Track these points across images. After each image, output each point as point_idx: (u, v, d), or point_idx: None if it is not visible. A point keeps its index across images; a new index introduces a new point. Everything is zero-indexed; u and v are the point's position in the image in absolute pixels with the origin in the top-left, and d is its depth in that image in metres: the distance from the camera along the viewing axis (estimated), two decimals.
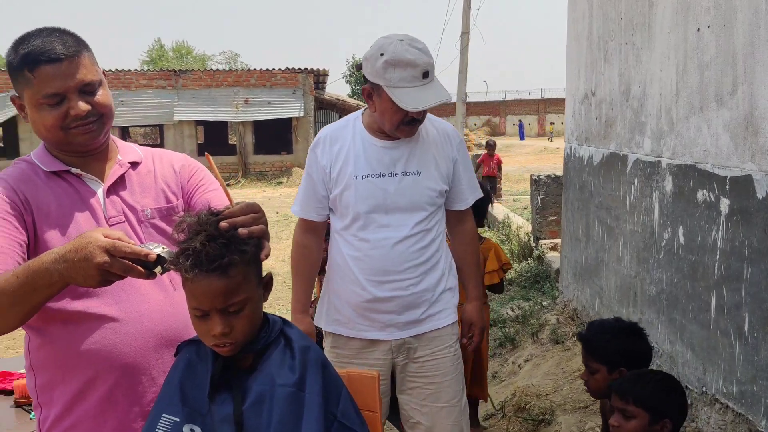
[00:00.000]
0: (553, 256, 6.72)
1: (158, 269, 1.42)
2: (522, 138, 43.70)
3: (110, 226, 1.71)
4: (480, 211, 4.56)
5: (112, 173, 1.77)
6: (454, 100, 3.00)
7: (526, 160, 26.70)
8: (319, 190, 2.42)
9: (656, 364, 3.80)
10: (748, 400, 2.84)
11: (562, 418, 3.81)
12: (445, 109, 44.28)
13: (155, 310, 1.72)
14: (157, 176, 1.84)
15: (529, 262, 7.30)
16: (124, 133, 23.86)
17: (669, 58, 3.54)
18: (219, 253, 1.44)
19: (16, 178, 1.68)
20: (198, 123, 23.34)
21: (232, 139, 24.47)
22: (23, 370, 2.57)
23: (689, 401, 3.37)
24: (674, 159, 3.51)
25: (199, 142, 24.45)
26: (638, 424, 2.06)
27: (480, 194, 2.62)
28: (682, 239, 3.42)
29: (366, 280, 2.36)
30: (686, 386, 3.43)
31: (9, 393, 2.42)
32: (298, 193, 2.49)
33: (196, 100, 22.01)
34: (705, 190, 3.17)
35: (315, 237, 2.54)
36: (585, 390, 2.55)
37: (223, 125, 24.63)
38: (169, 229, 1.74)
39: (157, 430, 1.52)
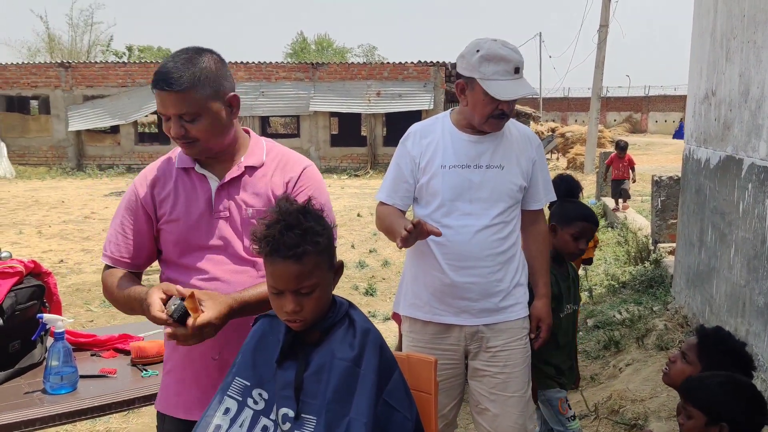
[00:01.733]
0: (669, 261, 6.47)
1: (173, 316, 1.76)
2: (680, 136, 41.39)
3: (217, 218, 2.03)
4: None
5: (229, 174, 2.04)
6: (535, 93, 3.00)
7: (666, 159, 25.34)
8: (407, 178, 2.57)
9: (761, 378, 3.64)
10: None
11: (655, 425, 3.74)
12: (580, 104, 42.95)
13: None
14: (269, 183, 2.07)
15: (646, 265, 7.05)
16: (265, 123, 25.13)
17: None
18: (295, 242, 1.64)
19: (153, 171, 2.09)
20: (332, 114, 24.15)
21: (364, 131, 25.09)
22: (142, 335, 2.95)
23: None
24: None
25: (333, 132, 25.30)
26: (695, 425, 2.06)
27: (554, 197, 2.73)
28: None
29: (447, 265, 2.49)
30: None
31: (128, 353, 2.77)
32: (384, 181, 2.64)
33: (331, 92, 22.78)
34: None
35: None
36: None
37: (356, 117, 25.30)
38: None
39: (229, 391, 1.75)
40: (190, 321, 1.74)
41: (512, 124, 2.60)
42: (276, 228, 1.65)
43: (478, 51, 2.40)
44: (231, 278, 2.01)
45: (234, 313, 1.85)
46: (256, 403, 1.72)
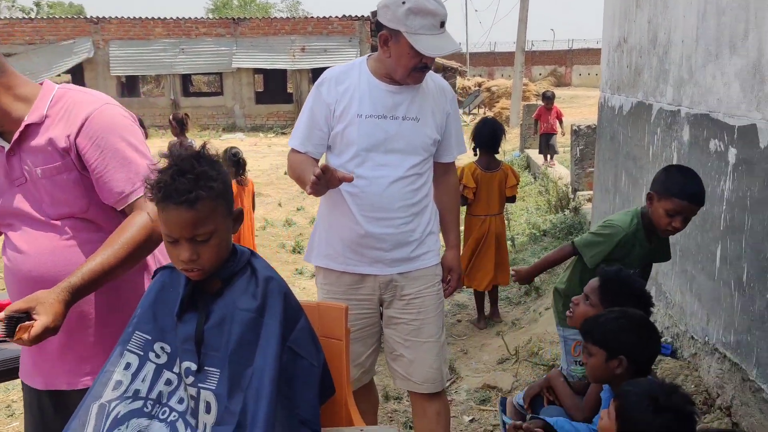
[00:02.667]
0: (588, 208, 6.67)
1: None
2: None
3: (16, 186, 1.91)
4: (494, 142, 4.95)
5: (13, 137, 1.87)
6: (459, 49, 3.03)
7: (590, 111, 25.94)
8: (321, 126, 2.52)
9: (668, 314, 3.81)
10: (743, 349, 2.85)
11: None
12: (506, 59, 43.33)
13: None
14: (48, 138, 1.88)
15: (565, 213, 7.25)
16: (186, 81, 24.36)
17: (692, 3, 3.44)
18: (187, 187, 1.57)
19: None
20: (257, 71, 23.59)
21: (290, 88, 24.64)
22: None
23: (693, 351, 3.40)
24: (692, 108, 3.44)
25: (257, 90, 24.76)
26: (596, 362, 2.13)
27: (465, 151, 2.75)
28: None
29: (361, 216, 2.48)
30: (692, 336, 3.44)
31: None
32: (297, 127, 2.58)
33: (254, 48, 22.20)
34: (716, 140, 3.12)
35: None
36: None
37: (281, 73, 24.80)
38: (60, 187, 1.89)
39: (130, 345, 1.69)
40: (25, 335, 1.64)
41: (428, 75, 2.56)
42: (168, 173, 1.58)
43: (404, 3, 2.33)
44: (32, 248, 1.91)
45: (71, 302, 1.74)
46: (158, 356, 1.67)
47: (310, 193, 2.25)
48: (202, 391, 1.59)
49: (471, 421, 3.64)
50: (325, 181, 2.20)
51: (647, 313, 2.46)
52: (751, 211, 2.77)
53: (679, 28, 3.64)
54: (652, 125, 4.10)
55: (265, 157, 15.24)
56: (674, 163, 3.66)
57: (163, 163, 1.64)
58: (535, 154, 11.75)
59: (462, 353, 4.68)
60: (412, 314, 2.57)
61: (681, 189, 2.62)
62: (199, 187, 1.57)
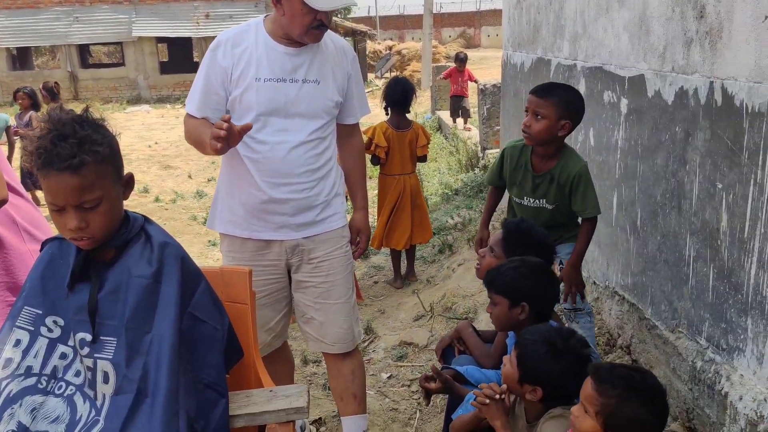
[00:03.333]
0: None
1: None
2: None
3: None
4: (405, 101, 4.97)
5: None
6: (355, 2, 2.97)
7: (499, 72, 26.44)
8: (217, 90, 2.44)
9: None
10: (638, 290, 3.00)
11: (483, 316, 3.99)
12: (416, 21, 43.33)
13: None
14: None
15: (475, 171, 7.40)
16: (84, 52, 23.15)
17: None
18: (70, 152, 1.49)
19: None
20: (159, 40, 22.67)
21: (197, 56, 23.84)
22: None
23: (596, 295, 3.56)
24: (586, 62, 3.55)
25: (162, 60, 23.83)
26: (501, 311, 2.20)
27: (369, 111, 2.73)
28: (592, 141, 3.51)
29: (263, 182, 2.43)
30: (594, 281, 3.60)
31: None
32: (193, 93, 2.49)
33: (155, 15, 21.30)
34: (609, 92, 3.24)
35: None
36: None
37: (187, 42, 23.92)
38: None
39: (19, 321, 1.61)
40: None
41: (328, 36, 2.52)
42: (47, 139, 1.50)
43: None
44: None
45: None
46: (50, 331, 1.61)
47: (213, 151, 2.18)
48: (98, 361, 1.55)
49: (389, 377, 3.71)
50: (228, 137, 2.14)
51: (550, 261, 2.55)
52: (642, 158, 2.90)
53: None
54: (551, 80, 4.21)
55: (173, 128, 14.74)
56: None
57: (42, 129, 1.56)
58: (446, 116, 11.87)
59: (379, 313, 4.74)
60: (321, 277, 2.56)
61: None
62: (83, 151, 1.51)
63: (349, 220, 2.71)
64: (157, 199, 8.43)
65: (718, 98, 2.27)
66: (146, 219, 1.72)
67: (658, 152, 2.73)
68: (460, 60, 11.52)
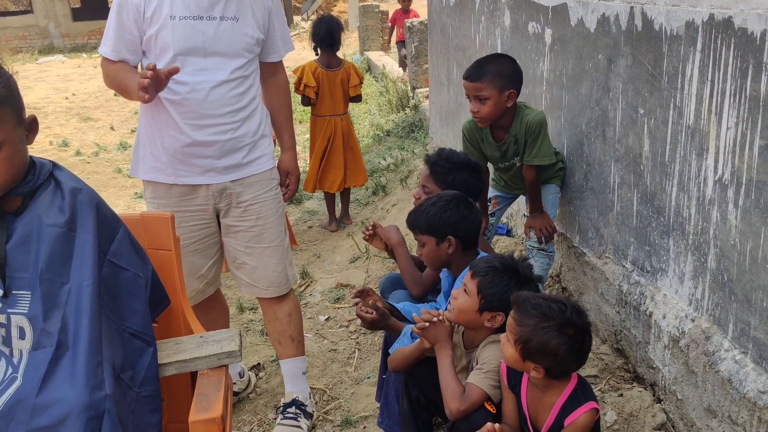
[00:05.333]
0: (426, 104, 6.79)
1: None
2: None
3: None
4: (332, 39, 4.87)
5: None
6: None
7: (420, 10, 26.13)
8: (131, 29, 2.32)
9: None
10: (567, 219, 3.06)
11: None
12: None
13: None
14: None
15: (406, 111, 7.36)
16: None
17: None
18: None
19: None
20: None
21: (111, 2, 22.61)
22: None
23: None
24: None
25: (74, 6, 22.53)
26: (429, 249, 2.21)
27: (292, 48, 2.65)
28: None
29: (185, 124, 2.34)
30: (524, 214, 3.65)
31: None
32: (106, 34, 2.37)
33: None
34: (534, 22, 3.22)
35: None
36: None
37: None
38: None
39: None
40: None
41: None
42: None
43: None
44: None
45: None
46: None
47: (140, 98, 2.09)
48: (12, 316, 1.46)
49: (327, 319, 3.71)
50: (155, 83, 2.05)
51: (479, 180, 2.56)
52: (567, 88, 2.92)
53: None
54: (476, 14, 4.17)
55: (91, 79, 14.05)
56: (498, 49, 3.76)
57: None
58: (376, 56, 11.70)
59: (315, 258, 4.72)
60: (251, 221, 2.51)
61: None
62: None
63: (276, 161, 2.65)
64: (78, 153, 8.08)
65: (638, 23, 2.28)
66: (55, 165, 1.62)
67: (583, 81, 2.75)
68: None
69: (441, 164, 2.51)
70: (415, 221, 2.23)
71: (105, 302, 1.52)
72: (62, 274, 1.48)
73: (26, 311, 1.46)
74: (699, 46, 1.96)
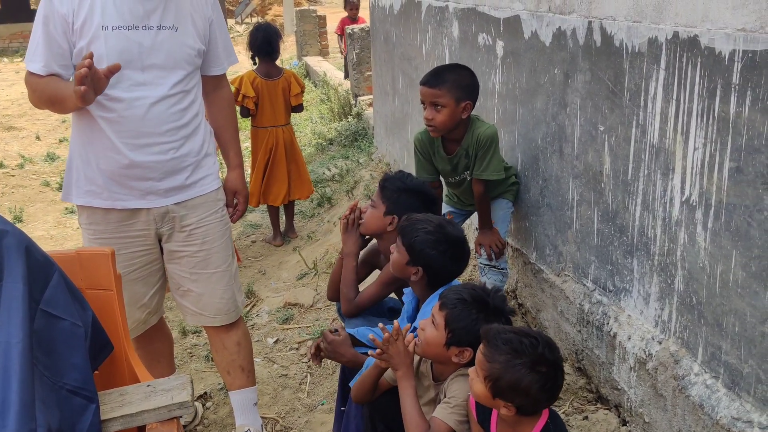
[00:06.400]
0: (370, 113, 6.69)
1: None
2: None
3: None
4: (270, 47, 4.72)
5: None
6: None
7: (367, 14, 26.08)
8: (60, 42, 2.14)
9: None
10: (522, 234, 3.01)
11: None
12: None
13: None
14: None
15: (349, 120, 7.24)
16: None
17: None
18: None
19: None
20: None
21: (34, 3, 21.69)
22: None
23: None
24: (459, 3, 3.45)
25: None
26: (399, 259, 2.14)
27: (236, 61, 2.53)
28: None
29: (122, 144, 2.18)
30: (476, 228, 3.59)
31: None
32: (34, 48, 2.17)
33: None
34: (484, 34, 3.16)
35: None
36: None
37: None
38: None
39: None
40: None
41: None
42: None
43: None
44: None
45: None
46: None
47: (78, 100, 1.92)
48: None
49: (275, 342, 3.56)
50: (93, 81, 1.88)
51: (432, 210, 2.48)
52: (521, 102, 2.86)
53: None
54: (422, 23, 4.09)
55: (13, 85, 13.36)
56: (447, 59, 3.69)
57: None
58: (314, 62, 11.54)
59: (260, 274, 4.55)
60: (196, 245, 2.35)
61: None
62: None
63: (223, 180, 2.50)
64: (1, 165, 7.63)
65: (597, 38, 2.23)
66: None
67: (538, 95, 2.70)
68: (351, 5, 9.43)
69: (393, 182, 2.43)
70: (405, 229, 2.13)
71: (38, 358, 1.35)
72: None
73: None
74: (663, 64, 1.92)
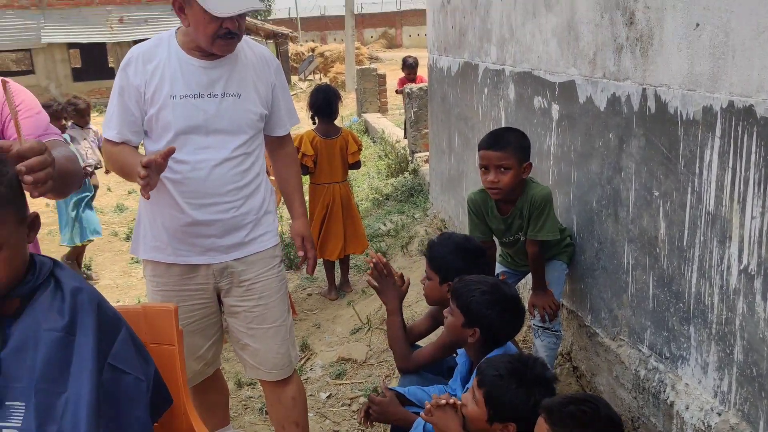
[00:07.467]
0: (426, 169, 6.78)
1: None
2: None
3: None
4: (330, 108, 4.86)
5: None
6: (260, 6, 2.84)
7: (424, 71, 26.59)
8: (133, 111, 2.30)
9: None
10: (577, 297, 2.98)
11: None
12: (338, 23, 43.22)
13: None
14: None
15: (405, 175, 7.35)
16: None
17: None
18: None
19: None
20: (71, 46, 21.73)
21: (112, 62, 22.95)
22: None
23: None
24: (515, 66, 3.52)
25: (74, 66, 22.85)
26: (454, 323, 2.15)
27: (298, 121, 2.63)
28: None
29: (185, 203, 2.29)
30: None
31: None
32: (109, 116, 2.34)
33: (65, 20, 20.39)
34: (540, 97, 3.21)
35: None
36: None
37: (100, 47, 22.98)
38: None
39: None
40: None
41: (247, 45, 2.40)
42: None
43: None
44: None
45: None
46: None
47: (144, 191, 2.01)
48: (4, 431, 1.36)
49: (328, 397, 3.58)
50: (154, 171, 2.00)
51: (479, 266, 2.51)
52: (576, 164, 2.88)
53: None
54: (479, 85, 4.18)
55: None
56: (502, 121, 3.75)
57: None
58: (373, 118, 11.79)
59: (315, 328, 4.60)
60: (253, 300, 2.43)
61: (480, 141, 2.72)
62: None
63: (278, 239, 2.59)
64: None
65: (651, 105, 2.25)
66: (55, 263, 1.54)
67: (592, 159, 2.71)
68: (409, 66, 9.33)
69: (437, 250, 2.52)
70: (458, 291, 2.16)
71: (104, 411, 1.42)
72: (59, 383, 1.39)
73: (19, 424, 1.36)
74: (718, 132, 1.92)
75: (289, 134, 2.64)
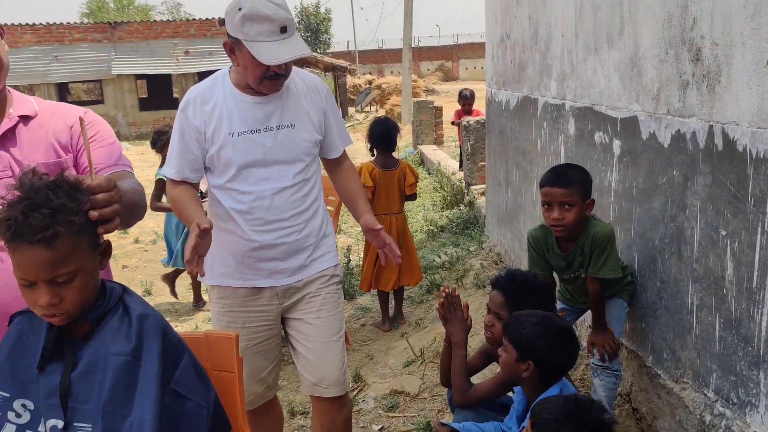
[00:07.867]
0: (482, 202, 6.74)
1: None
2: None
3: (2, 179, 1.80)
4: (389, 140, 4.92)
5: (1, 127, 1.82)
6: (307, 53, 2.93)
7: (480, 105, 26.62)
8: (193, 150, 2.40)
9: None
10: (638, 336, 2.91)
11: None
12: (394, 56, 43.80)
13: None
14: (48, 131, 1.89)
15: (461, 208, 7.33)
16: (63, 90, 23.03)
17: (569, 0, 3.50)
18: (43, 224, 1.38)
19: None
20: (139, 77, 22.65)
21: (176, 93, 23.79)
22: None
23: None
24: (576, 101, 3.50)
25: (141, 96, 23.78)
26: (508, 359, 2.13)
27: (350, 142, 2.69)
28: None
29: (251, 230, 2.40)
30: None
31: None
32: (170, 156, 2.45)
33: (134, 53, 21.32)
34: (601, 132, 3.18)
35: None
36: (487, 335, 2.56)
37: (166, 78, 23.92)
38: None
39: None
40: None
41: (297, 75, 2.49)
42: (18, 208, 1.38)
43: (240, 9, 2.22)
44: None
45: None
46: (19, 416, 1.47)
47: (199, 268, 2.12)
48: None
49: (380, 429, 3.56)
50: (205, 238, 2.11)
51: (549, 304, 2.47)
52: (638, 201, 2.83)
53: (558, 24, 3.69)
54: (538, 119, 4.16)
55: (152, 166, 14.51)
56: (561, 155, 3.72)
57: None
58: (429, 150, 11.84)
59: (368, 359, 4.60)
60: (313, 313, 2.51)
61: (542, 178, 2.70)
62: (57, 222, 1.39)
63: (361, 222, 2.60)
64: (136, 241, 8.25)
65: (718, 142, 2.20)
66: (124, 289, 1.60)
67: (655, 196, 2.66)
68: (465, 98, 9.17)
69: (516, 289, 2.46)
70: (510, 326, 2.14)
71: None
72: (125, 406, 1.43)
73: None
74: None
75: (344, 152, 2.70)
